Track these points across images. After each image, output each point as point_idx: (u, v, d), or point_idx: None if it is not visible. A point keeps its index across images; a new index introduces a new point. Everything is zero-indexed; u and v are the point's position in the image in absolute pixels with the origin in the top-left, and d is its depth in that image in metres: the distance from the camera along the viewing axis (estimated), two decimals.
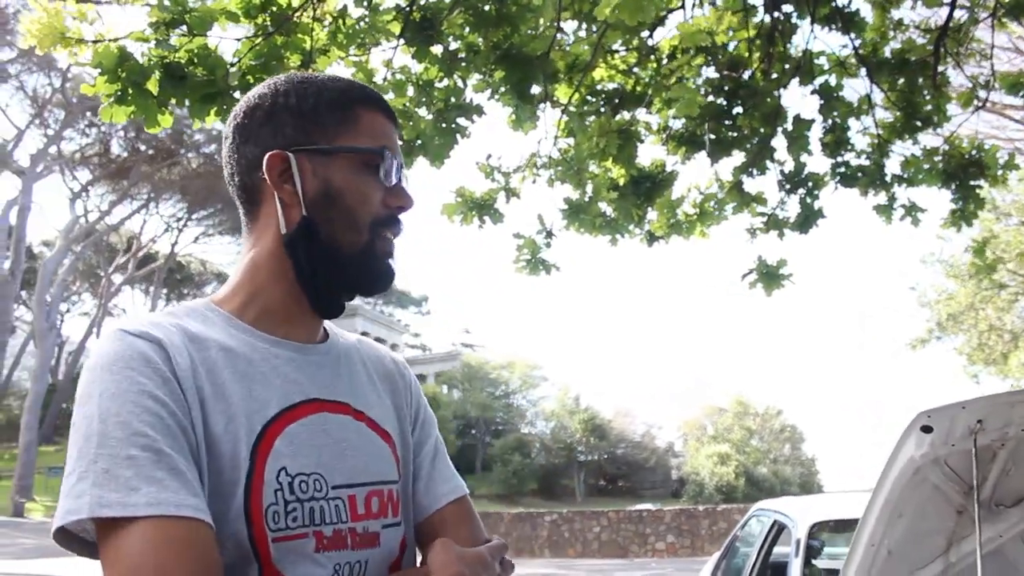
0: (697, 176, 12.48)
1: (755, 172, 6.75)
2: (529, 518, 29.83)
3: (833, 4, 6.21)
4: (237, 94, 4.35)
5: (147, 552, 0.92)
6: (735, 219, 6.93)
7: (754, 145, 6.62)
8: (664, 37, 6.59)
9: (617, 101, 6.50)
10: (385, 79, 5.43)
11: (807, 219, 6.79)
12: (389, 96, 5.45)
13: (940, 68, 6.30)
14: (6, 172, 42.43)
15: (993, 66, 6.57)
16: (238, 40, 4.59)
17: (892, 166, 6.68)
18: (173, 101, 4.33)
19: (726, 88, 6.48)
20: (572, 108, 6.34)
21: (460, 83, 5.60)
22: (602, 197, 6.57)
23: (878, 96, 6.54)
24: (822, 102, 6.59)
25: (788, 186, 6.81)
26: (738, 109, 6.48)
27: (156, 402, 1.00)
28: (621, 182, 6.62)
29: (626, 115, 6.50)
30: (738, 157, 6.76)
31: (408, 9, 5.14)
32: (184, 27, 4.26)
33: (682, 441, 58.87)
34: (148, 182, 47.66)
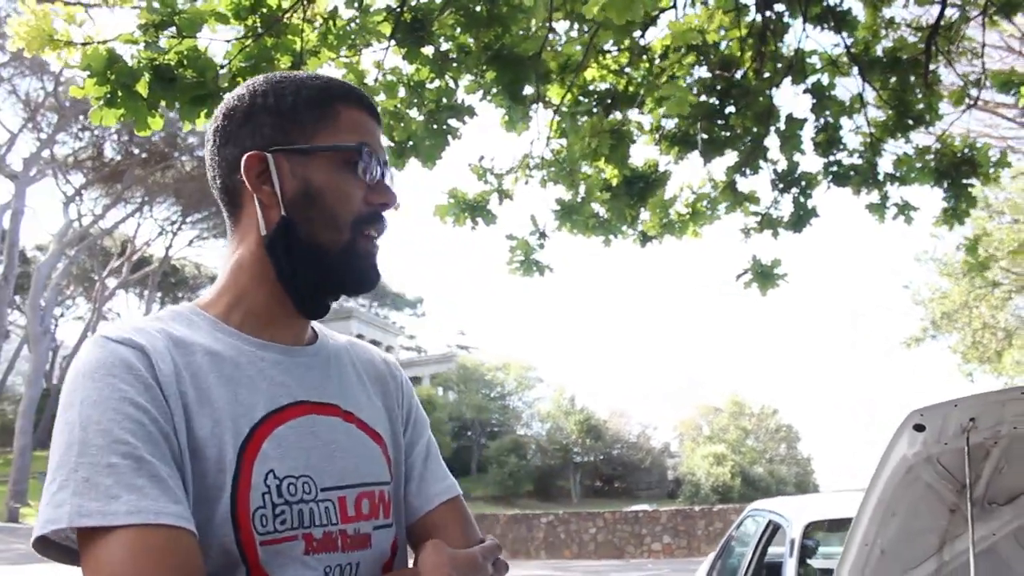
0: (690, 176, 12.51)
1: (748, 172, 6.76)
2: (525, 520, 29.84)
3: (825, 3, 6.21)
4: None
5: (126, 561, 0.91)
6: (728, 219, 6.94)
7: (747, 144, 6.62)
8: (656, 37, 6.60)
9: (609, 101, 6.50)
10: (376, 80, 5.42)
11: (800, 218, 6.79)
12: (380, 97, 5.45)
13: (932, 66, 6.31)
14: None
15: (984, 64, 6.60)
16: (228, 42, 4.57)
17: (884, 165, 6.70)
18: (163, 103, 4.32)
19: (718, 87, 6.48)
20: (564, 108, 6.34)
21: (451, 84, 5.59)
22: (595, 198, 6.56)
23: (870, 95, 6.55)
24: (814, 101, 6.60)
25: (781, 185, 6.82)
26: (730, 108, 6.49)
27: (138, 409, 0.99)
28: (614, 182, 6.62)
29: (618, 115, 6.50)
30: (731, 157, 6.77)
31: (399, 10, 5.13)
32: (173, 29, 4.24)
33: (678, 441, 58.94)
34: (142, 185, 47.55)
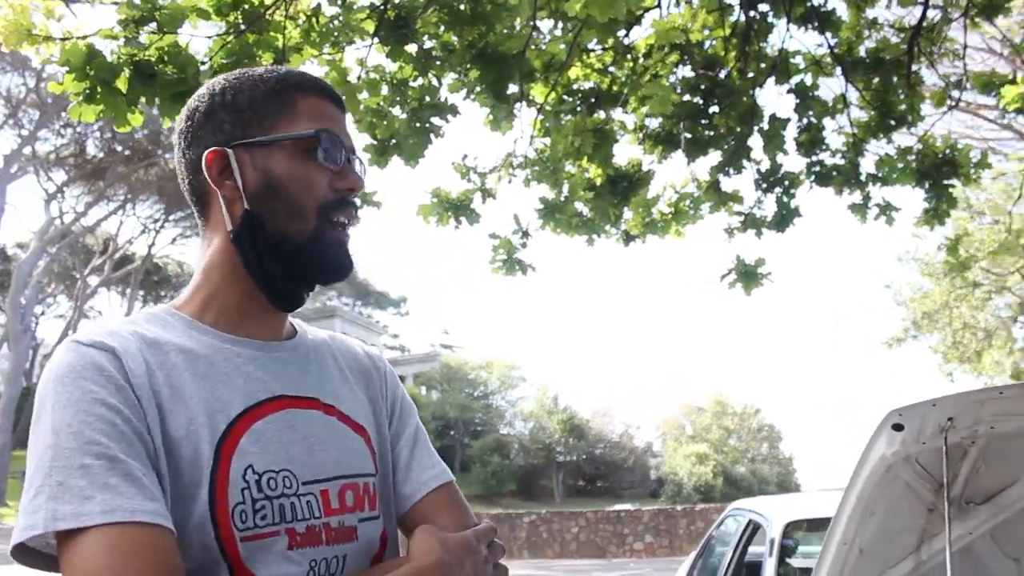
0: (673, 175, 12.55)
1: (731, 171, 6.78)
2: (508, 519, 29.83)
3: (809, 3, 6.24)
4: None
5: (102, 560, 0.90)
6: (711, 218, 6.96)
7: (730, 144, 6.64)
8: (640, 36, 6.61)
9: (593, 100, 6.50)
10: (359, 78, 5.40)
11: (784, 218, 6.82)
12: (363, 95, 5.42)
13: (914, 67, 6.34)
14: None
15: (966, 66, 6.63)
16: (209, 38, 4.54)
17: (867, 165, 6.74)
18: (143, 100, 4.28)
19: (702, 87, 6.49)
20: (548, 107, 6.33)
21: (435, 82, 5.57)
22: (578, 197, 6.56)
23: (853, 95, 6.59)
24: (798, 101, 6.63)
25: (764, 185, 6.84)
26: (714, 108, 6.51)
27: (109, 409, 0.98)
28: (597, 182, 6.62)
29: (602, 114, 6.50)
30: (714, 156, 6.79)
31: (382, 7, 5.11)
32: (154, 24, 4.20)
33: (660, 441, 59.12)
34: (125, 183, 47.23)
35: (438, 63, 5.53)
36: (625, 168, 6.74)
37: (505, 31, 5.54)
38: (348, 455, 1.19)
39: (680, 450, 50.86)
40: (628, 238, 6.92)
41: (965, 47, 6.60)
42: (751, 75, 6.46)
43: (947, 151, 6.48)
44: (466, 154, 6.51)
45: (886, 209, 6.70)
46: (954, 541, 2.73)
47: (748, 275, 6.59)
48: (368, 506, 1.19)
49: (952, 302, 22.57)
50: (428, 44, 5.50)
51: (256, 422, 1.10)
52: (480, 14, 5.27)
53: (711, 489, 46.09)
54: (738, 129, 6.54)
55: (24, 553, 0.98)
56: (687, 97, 6.47)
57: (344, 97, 4.25)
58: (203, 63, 4.41)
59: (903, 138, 6.95)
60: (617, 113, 6.67)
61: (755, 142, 6.68)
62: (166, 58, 4.25)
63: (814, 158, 6.78)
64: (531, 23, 5.50)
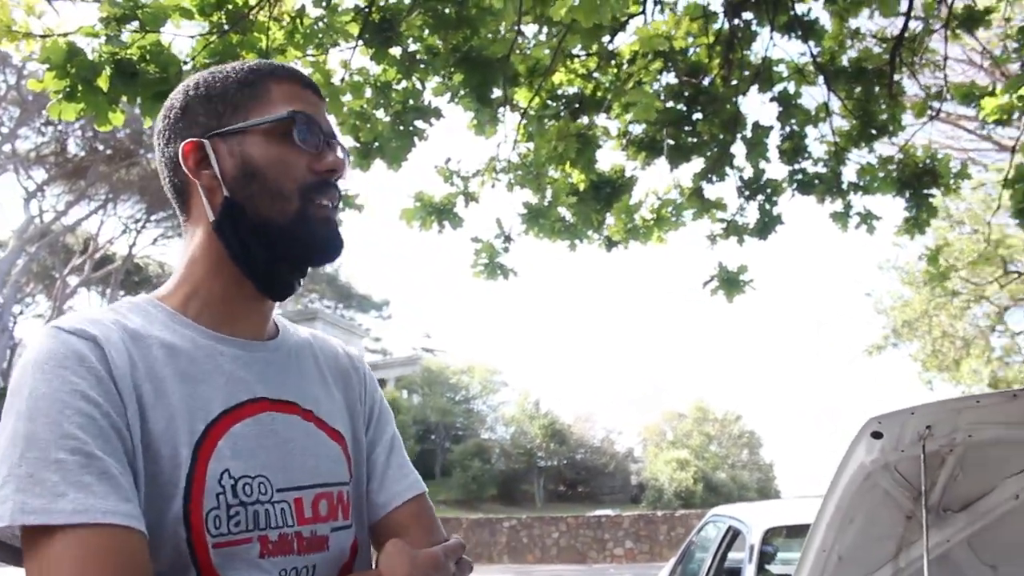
0: (657, 182, 12.58)
1: (714, 178, 6.80)
2: (488, 524, 29.81)
3: (792, 12, 6.27)
4: None
5: (70, 563, 0.88)
6: (693, 225, 6.99)
7: (713, 151, 6.67)
8: (624, 42, 6.62)
9: (577, 106, 6.51)
10: (343, 80, 5.38)
11: (766, 225, 6.85)
12: (346, 98, 5.41)
13: (895, 77, 6.39)
14: None
15: (946, 77, 6.69)
16: (192, 37, 4.53)
17: (848, 174, 6.79)
18: (124, 99, 4.26)
19: (686, 94, 6.51)
20: (531, 112, 6.34)
21: (419, 85, 5.57)
22: (561, 202, 6.57)
23: (835, 104, 6.63)
24: (780, 109, 6.67)
25: (747, 192, 6.87)
26: (697, 115, 6.53)
27: (89, 402, 0.96)
28: (581, 187, 6.63)
29: (585, 120, 6.51)
30: (697, 163, 6.82)
31: (367, 10, 5.10)
32: (136, 23, 4.18)
33: (641, 446, 59.11)
34: (106, 182, 46.88)
35: (422, 66, 5.53)
36: (608, 174, 6.76)
37: (490, 35, 5.54)
38: (324, 463, 1.18)
39: (661, 456, 50.87)
40: (611, 244, 6.94)
41: (946, 58, 6.67)
42: (734, 83, 6.49)
43: (927, 161, 6.54)
44: (449, 158, 6.50)
45: (867, 218, 6.74)
46: (932, 549, 2.74)
47: (730, 282, 6.61)
48: (341, 515, 1.18)
49: (931, 311, 22.72)
50: (412, 47, 5.50)
51: (235, 424, 1.08)
52: (465, 18, 5.28)
53: (691, 495, 46.13)
54: (721, 136, 6.57)
55: None
56: (670, 104, 6.49)
57: (327, 99, 4.24)
58: (186, 63, 4.40)
59: (884, 147, 7.02)
60: (600, 119, 6.69)
61: (738, 149, 6.73)
62: (148, 57, 4.23)
63: (796, 166, 6.82)
64: (516, 27, 5.50)
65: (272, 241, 1.14)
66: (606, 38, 6.30)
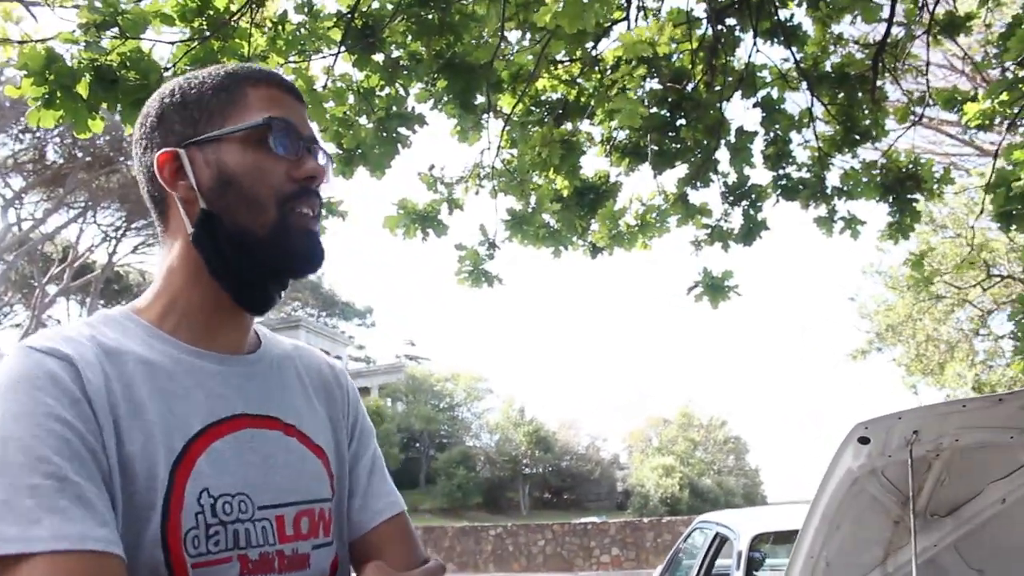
0: (641, 188, 12.60)
1: (698, 184, 6.81)
2: (473, 532, 29.75)
3: (775, 18, 6.29)
4: None
5: None
6: (678, 231, 6.99)
7: (697, 157, 6.68)
8: (608, 48, 6.63)
9: (560, 112, 6.51)
10: (325, 87, 5.36)
11: (751, 231, 6.87)
12: (329, 104, 5.38)
13: (878, 83, 6.42)
14: None
15: (929, 82, 6.73)
16: (173, 44, 4.48)
17: (832, 179, 6.81)
18: (104, 106, 4.21)
19: (669, 100, 6.52)
20: (515, 118, 6.33)
21: (402, 92, 5.55)
22: (545, 208, 6.55)
23: (819, 109, 6.65)
24: (764, 115, 6.69)
25: (731, 198, 6.89)
26: (681, 121, 6.54)
27: (63, 425, 0.93)
28: (565, 193, 6.62)
29: (569, 126, 6.51)
30: (681, 169, 6.82)
31: (349, 16, 5.08)
32: (116, 29, 4.14)
33: (627, 453, 59.14)
34: (85, 190, 46.50)
35: (405, 73, 5.51)
36: (592, 180, 6.76)
37: (473, 41, 5.53)
38: (306, 479, 1.16)
39: (647, 462, 50.90)
40: (595, 250, 6.93)
41: (928, 64, 6.71)
42: (718, 88, 6.50)
43: (910, 166, 6.57)
44: (433, 164, 6.48)
45: (851, 223, 6.77)
46: (919, 553, 2.74)
47: (715, 288, 6.61)
48: (323, 532, 1.16)
49: (915, 315, 22.83)
50: (395, 53, 5.48)
51: (215, 441, 1.06)
52: (448, 24, 5.26)
53: (678, 501, 46.17)
54: (705, 142, 6.58)
55: None
56: (654, 110, 6.50)
57: (310, 106, 4.21)
58: (167, 69, 4.36)
59: (868, 152, 7.05)
60: (584, 125, 6.70)
61: (722, 155, 6.74)
62: (128, 63, 4.19)
63: (780, 171, 6.84)
64: (499, 33, 5.49)
65: (250, 252, 1.11)
66: (590, 44, 6.30)
